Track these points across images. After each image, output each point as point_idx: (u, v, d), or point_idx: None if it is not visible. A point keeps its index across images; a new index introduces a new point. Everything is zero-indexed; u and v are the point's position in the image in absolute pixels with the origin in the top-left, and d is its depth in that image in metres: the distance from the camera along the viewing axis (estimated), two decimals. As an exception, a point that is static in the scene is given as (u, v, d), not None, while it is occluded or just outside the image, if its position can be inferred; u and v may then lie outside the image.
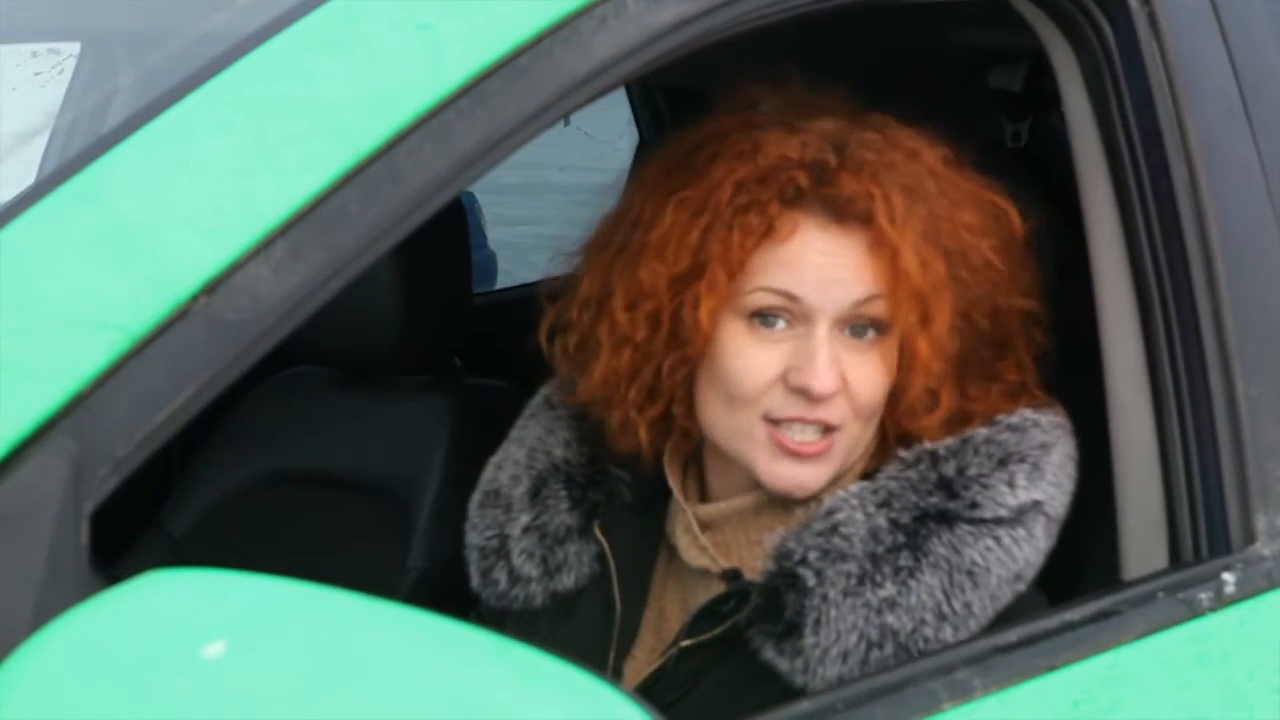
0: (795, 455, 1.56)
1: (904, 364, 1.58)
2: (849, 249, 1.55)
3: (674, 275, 1.58)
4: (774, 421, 1.56)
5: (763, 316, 1.56)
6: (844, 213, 1.55)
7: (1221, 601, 1.54)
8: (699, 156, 1.60)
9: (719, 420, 1.60)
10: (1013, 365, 1.66)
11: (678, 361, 1.60)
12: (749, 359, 1.56)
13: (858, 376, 1.56)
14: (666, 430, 1.67)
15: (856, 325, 1.56)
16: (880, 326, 1.57)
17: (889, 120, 1.63)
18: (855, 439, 1.59)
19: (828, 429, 1.56)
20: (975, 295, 1.61)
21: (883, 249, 1.54)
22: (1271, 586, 1.57)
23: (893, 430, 1.62)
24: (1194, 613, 1.53)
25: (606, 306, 1.63)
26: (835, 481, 1.61)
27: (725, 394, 1.58)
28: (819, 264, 1.55)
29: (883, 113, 1.64)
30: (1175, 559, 1.62)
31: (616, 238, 1.65)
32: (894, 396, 1.60)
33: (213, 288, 1.18)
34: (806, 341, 1.54)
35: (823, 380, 1.53)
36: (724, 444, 1.61)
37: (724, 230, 1.55)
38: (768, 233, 1.55)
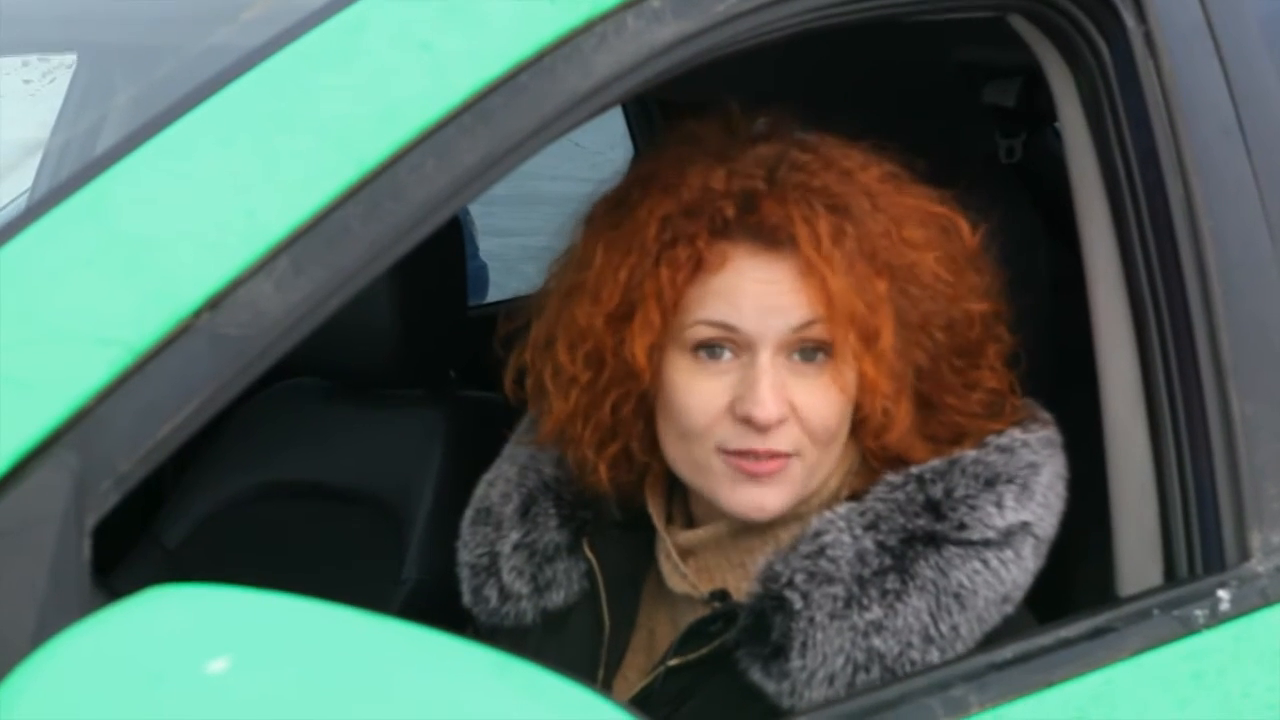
0: (753, 477, 1.55)
1: (857, 388, 1.58)
2: (782, 275, 1.54)
3: (609, 314, 1.58)
4: (727, 452, 1.56)
5: (708, 349, 1.56)
6: (772, 239, 1.54)
7: (1217, 618, 1.55)
8: (633, 194, 1.61)
9: (677, 455, 1.60)
10: (987, 371, 1.65)
11: (623, 398, 1.60)
12: (696, 393, 1.56)
13: (807, 402, 1.55)
14: (629, 466, 1.66)
15: (804, 349, 1.55)
16: (829, 349, 1.56)
17: (827, 139, 1.62)
18: (815, 464, 1.58)
19: (783, 455, 1.56)
20: (928, 309, 1.60)
21: (813, 274, 1.53)
22: (1266, 603, 1.58)
23: (875, 450, 1.62)
24: (1189, 629, 1.53)
25: (552, 349, 1.64)
26: (816, 501, 1.61)
27: (678, 429, 1.58)
28: (754, 292, 1.54)
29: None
30: (1170, 576, 1.62)
31: (561, 280, 1.66)
32: (856, 416, 1.60)
33: (215, 303, 1.18)
34: (750, 370, 1.54)
35: (765, 408, 1.52)
36: (685, 477, 1.62)
37: (652, 266, 1.55)
38: (698, 265, 1.54)
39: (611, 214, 1.62)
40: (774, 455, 1.55)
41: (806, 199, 1.55)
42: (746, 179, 1.56)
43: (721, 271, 1.54)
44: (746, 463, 1.55)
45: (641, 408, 1.62)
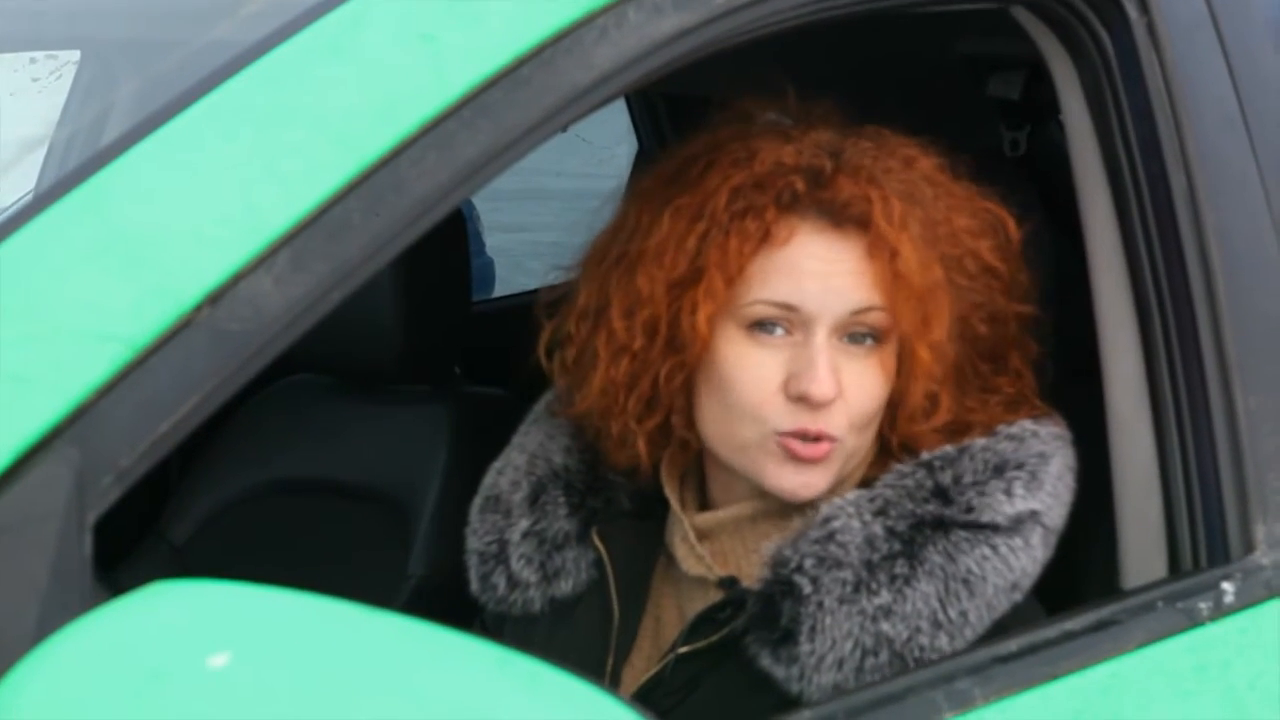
0: (801, 460, 1.56)
1: (903, 370, 1.58)
2: (847, 254, 1.55)
3: (671, 281, 1.58)
4: (781, 434, 1.56)
5: (762, 325, 1.56)
6: (841, 216, 1.55)
7: (1221, 611, 1.55)
8: (694, 167, 1.61)
9: (720, 431, 1.60)
10: (1009, 378, 1.66)
11: (675, 368, 1.60)
12: (749, 368, 1.56)
13: (855, 384, 1.56)
14: (665, 441, 1.66)
15: (855, 333, 1.56)
16: (878, 335, 1.57)
17: (882, 130, 1.63)
18: (853, 449, 1.59)
19: (828, 438, 1.56)
20: (975, 300, 1.61)
21: (881, 252, 1.54)
22: (1271, 596, 1.58)
23: (893, 439, 1.63)
24: (1194, 622, 1.53)
25: (604, 316, 1.63)
26: (832, 489, 1.61)
27: (726, 404, 1.58)
28: (817, 270, 1.55)
29: (877, 123, 1.64)
30: (1174, 568, 1.62)
31: (613, 249, 1.65)
32: (893, 403, 1.60)
33: (215, 298, 1.18)
34: (805, 348, 1.54)
35: (822, 385, 1.53)
36: (727, 455, 1.61)
37: (721, 236, 1.55)
38: (765, 238, 1.55)
39: (671, 185, 1.62)
40: (823, 437, 1.55)
41: (875, 179, 1.56)
42: (814, 157, 1.57)
43: (786, 246, 1.55)
44: (798, 445, 1.55)
45: (686, 381, 1.62)
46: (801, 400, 1.54)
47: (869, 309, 1.55)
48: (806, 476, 1.57)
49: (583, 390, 1.67)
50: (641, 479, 1.70)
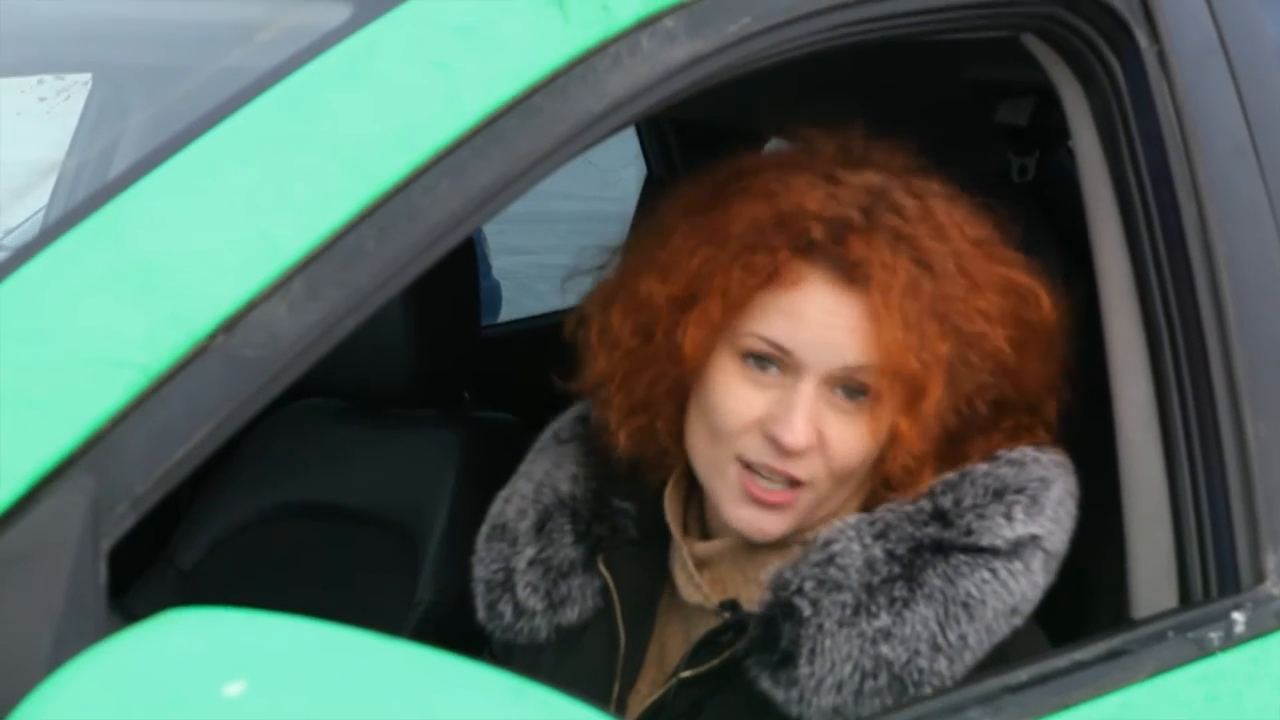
0: (758, 502, 1.57)
1: (887, 437, 1.58)
2: (849, 311, 1.54)
3: (670, 296, 1.59)
4: (745, 464, 1.57)
5: (757, 359, 1.56)
6: (851, 274, 1.54)
7: (1231, 641, 1.55)
8: (732, 186, 1.61)
9: (700, 450, 1.62)
10: (1014, 419, 1.65)
11: (659, 376, 1.62)
12: (736, 397, 1.57)
13: (838, 437, 1.56)
14: (651, 443, 1.67)
15: (849, 386, 1.56)
16: (873, 393, 1.56)
17: (934, 188, 1.62)
18: (825, 496, 1.59)
19: (795, 483, 1.57)
20: (983, 381, 1.60)
21: (879, 320, 1.54)
22: (1282, 625, 1.58)
23: (881, 489, 1.63)
24: (1204, 652, 1.53)
25: (609, 309, 1.65)
26: (831, 516, 1.61)
27: (709, 425, 1.59)
28: (818, 321, 1.54)
29: (937, 178, 1.63)
30: (1185, 598, 1.62)
31: (635, 245, 1.68)
32: (877, 463, 1.60)
33: (230, 325, 1.18)
34: (790, 393, 1.55)
35: (794, 435, 1.53)
36: (700, 474, 1.63)
37: (727, 264, 1.56)
38: (773, 276, 1.55)
39: (702, 199, 1.62)
40: (788, 481, 1.56)
41: (893, 244, 1.55)
42: (843, 206, 1.56)
43: (793, 291, 1.54)
44: (756, 486, 1.56)
45: (677, 391, 1.63)
46: (773, 441, 1.55)
47: (863, 367, 1.55)
48: (761, 519, 1.58)
49: (588, 369, 1.68)
50: (647, 502, 1.71)
